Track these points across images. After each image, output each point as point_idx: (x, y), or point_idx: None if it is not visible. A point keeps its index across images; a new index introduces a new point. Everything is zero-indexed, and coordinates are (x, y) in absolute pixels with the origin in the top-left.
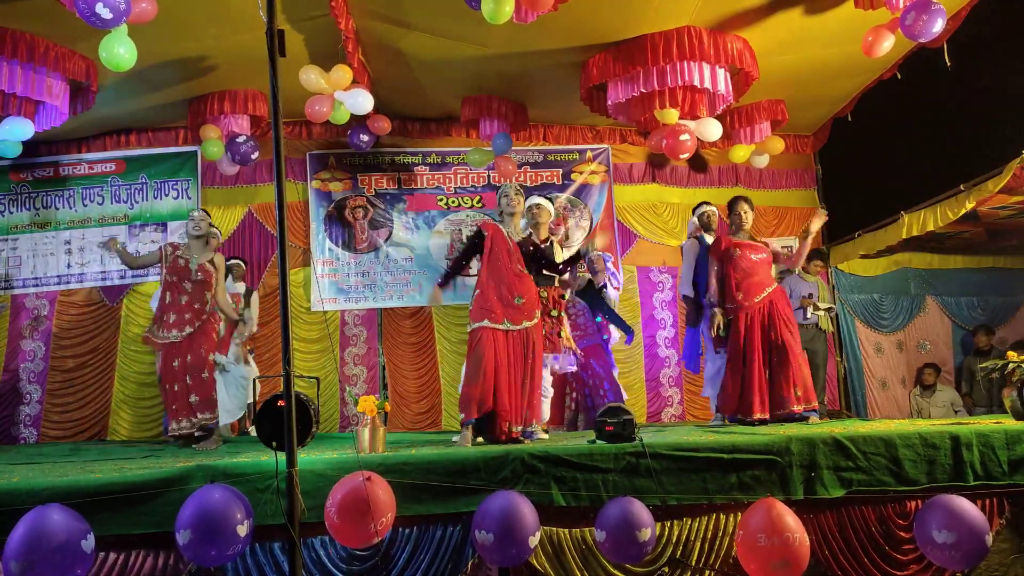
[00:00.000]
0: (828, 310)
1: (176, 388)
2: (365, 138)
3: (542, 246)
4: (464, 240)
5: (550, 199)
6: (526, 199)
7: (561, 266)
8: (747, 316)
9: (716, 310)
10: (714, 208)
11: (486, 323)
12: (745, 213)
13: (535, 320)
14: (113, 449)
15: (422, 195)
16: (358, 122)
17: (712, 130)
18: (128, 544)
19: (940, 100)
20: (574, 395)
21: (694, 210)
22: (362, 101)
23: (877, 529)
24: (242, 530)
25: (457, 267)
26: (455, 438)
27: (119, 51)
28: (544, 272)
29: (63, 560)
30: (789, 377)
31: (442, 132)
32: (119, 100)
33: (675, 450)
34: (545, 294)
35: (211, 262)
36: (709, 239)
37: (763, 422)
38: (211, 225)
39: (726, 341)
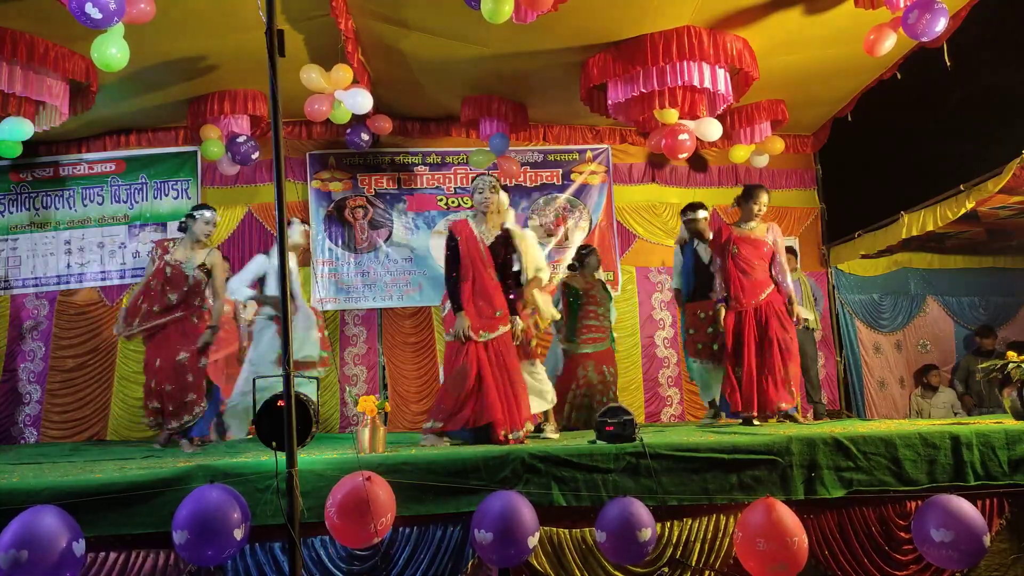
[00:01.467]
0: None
1: (154, 387)
2: (365, 137)
3: (511, 255)
4: (446, 247)
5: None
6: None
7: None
8: (743, 315)
9: (720, 306)
10: (703, 214)
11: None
12: (764, 206)
13: (508, 325)
14: (113, 449)
15: (422, 195)
16: (358, 121)
17: (712, 130)
18: (128, 544)
19: (940, 100)
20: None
21: (681, 214)
22: (361, 100)
23: (877, 529)
24: (239, 530)
25: (456, 283)
26: (423, 440)
27: (111, 52)
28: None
29: (53, 562)
30: (785, 377)
31: (442, 132)
32: (119, 100)
33: (675, 450)
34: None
35: (202, 267)
36: (701, 249)
37: (751, 420)
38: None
39: (711, 347)
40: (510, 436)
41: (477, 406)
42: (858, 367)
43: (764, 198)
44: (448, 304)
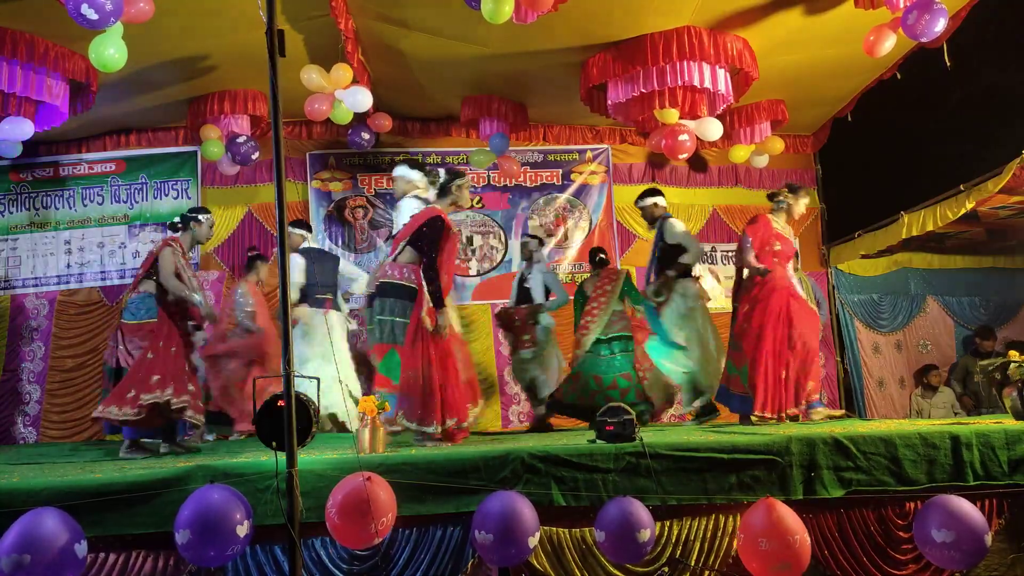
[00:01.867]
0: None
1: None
2: (366, 136)
3: None
4: (430, 236)
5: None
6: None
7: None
8: (765, 310)
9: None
10: (651, 200)
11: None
12: (804, 207)
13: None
14: (113, 449)
15: None
16: (359, 121)
17: (712, 129)
18: (128, 544)
19: (940, 100)
20: None
21: (636, 202)
22: (361, 98)
23: (876, 529)
24: (241, 530)
25: (438, 275)
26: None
27: (109, 52)
28: None
29: (55, 564)
30: (806, 374)
31: (442, 132)
32: (119, 100)
33: (675, 450)
34: None
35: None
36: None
37: (764, 420)
38: None
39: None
40: (454, 426)
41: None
42: (858, 367)
43: (806, 199)
44: (424, 302)
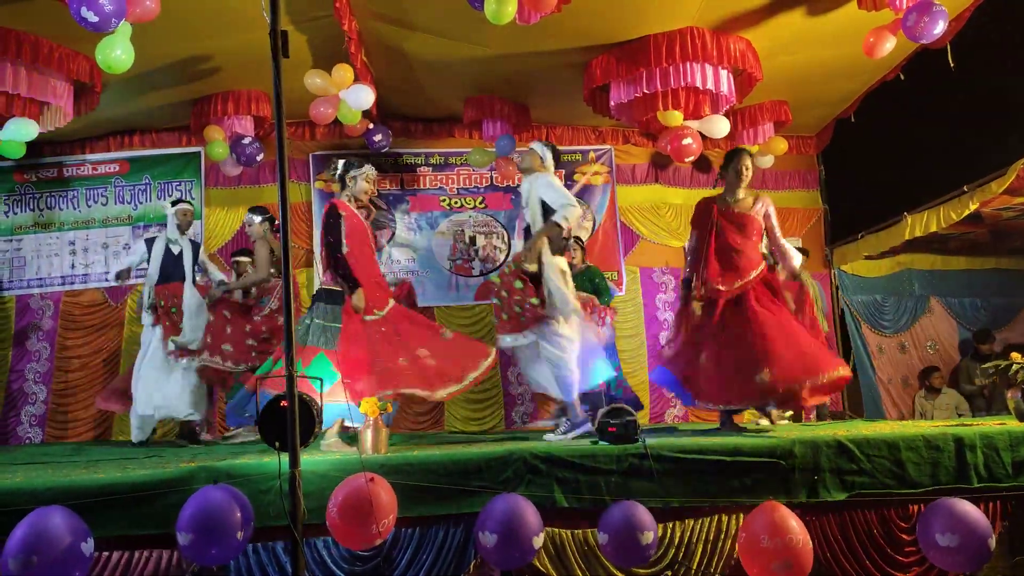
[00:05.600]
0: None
1: None
2: (378, 138)
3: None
4: (328, 228)
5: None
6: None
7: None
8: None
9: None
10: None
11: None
12: (747, 170)
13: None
14: (117, 449)
15: (425, 196)
16: (371, 124)
17: (719, 127)
18: (131, 544)
19: (943, 101)
20: None
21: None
22: (363, 96)
23: (879, 531)
24: (242, 530)
25: (346, 266)
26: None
27: (115, 53)
28: None
29: (62, 562)
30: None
31: (445, 133)
32: (123, 101)
33: (678, 452)
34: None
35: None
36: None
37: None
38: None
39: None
40: None
41: None
42: (863, 368)
43: (746, 161)
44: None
